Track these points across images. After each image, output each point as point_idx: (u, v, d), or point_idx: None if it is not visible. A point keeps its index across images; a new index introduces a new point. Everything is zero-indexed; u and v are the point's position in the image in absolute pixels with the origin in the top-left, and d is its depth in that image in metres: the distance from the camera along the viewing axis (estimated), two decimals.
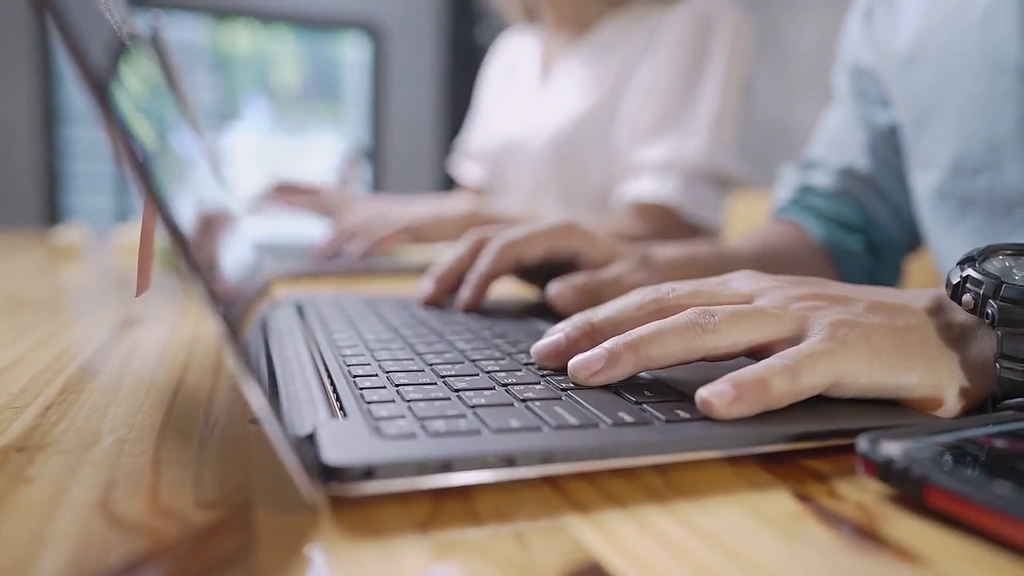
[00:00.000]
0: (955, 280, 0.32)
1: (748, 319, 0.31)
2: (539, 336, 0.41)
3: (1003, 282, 0.30)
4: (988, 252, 0.33)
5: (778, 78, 2.65)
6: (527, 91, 1.16)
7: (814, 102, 2.49)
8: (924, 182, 0.59)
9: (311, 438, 0.23)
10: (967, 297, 0.31)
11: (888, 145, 0.69)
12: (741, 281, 0.36)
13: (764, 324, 0.31)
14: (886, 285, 0.73)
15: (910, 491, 0.22)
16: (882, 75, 0.65)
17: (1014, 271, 0.31)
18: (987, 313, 0.30)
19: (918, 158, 0.60)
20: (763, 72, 2.72)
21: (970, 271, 0.31)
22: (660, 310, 0.33)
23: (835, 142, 0.74)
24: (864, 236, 0.72)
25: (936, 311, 0.33)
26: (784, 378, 0.27)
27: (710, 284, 0.36)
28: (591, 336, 0.33)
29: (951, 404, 0.30)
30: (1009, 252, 0.33)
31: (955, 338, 0.31)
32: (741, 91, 1.01)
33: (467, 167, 1.29)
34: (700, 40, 1.00)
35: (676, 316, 0.31)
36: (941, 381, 0.30)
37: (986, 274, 0.31)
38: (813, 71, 2.50)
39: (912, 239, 0.72)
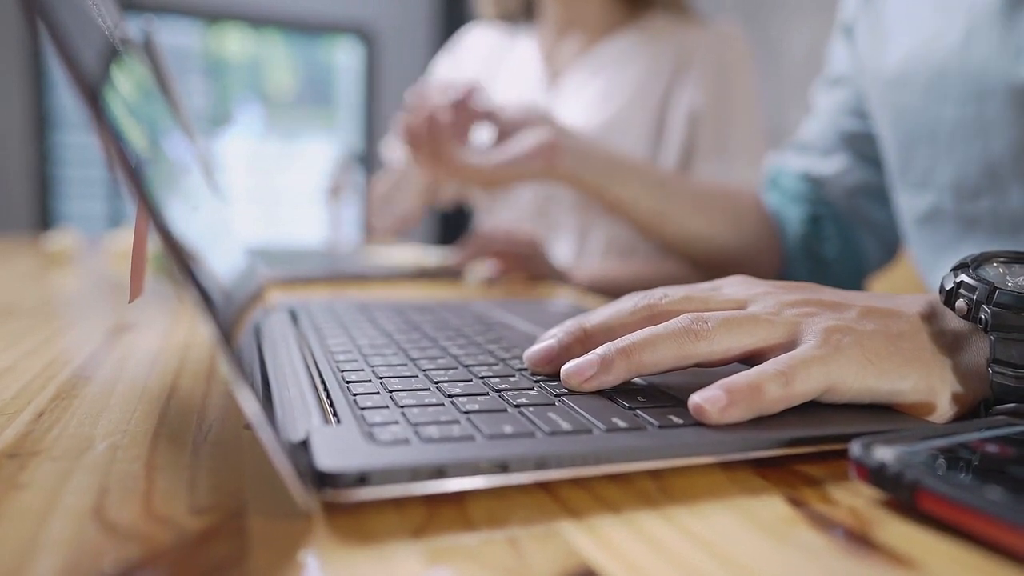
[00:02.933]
0: (949, 286, 0.32)
1: (741, 325, 0.31)
2: (532, 341, 0.41)
3: (996, 288, 0.30)
4: (982, 259, 0.33)
5: (769, 83, 2.66)
6: (530, 94, 1.15)
7: (805, 107, 2.51)
8: (917, 203, 0.60)
9: (305, 444, 0.23)
10: (960, 303, 0.31)
11: (856, 152, 0.71)
12: (734, 287, 0.36)
13: (757, 330, 0.31)
14: (844, 256, 0.76)
15: (902, 496, 0.22)
16: (864, 89, 0.66)
17: (1007, 277, 0.31)
18: (980, 319, 0.30)
19: (910, 179, 0.60)
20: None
21: (964, 277, 0.32)
22: (653, 316, 0.33)
23: (800, 148, 0.78)
24: (808, 208, 0.76)
25: (930, 316, 0.33)
26: (777, 384, 0.28)
27: (703, 289, 0.36)
28: (583, 342, 0.33)
29: (944, 409, 0.30)
30: (1003, 259, 0.33)
31: (948, 344, 0.32)
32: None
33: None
34: (727, 66, 1.03)
35: (669, 322, 0.31)
36: (934, 386, 0.30)
37: (980, 280, 0.31)
38: (804, 77, 2.51)
39: (872, 246, 0.75)
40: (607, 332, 0.33)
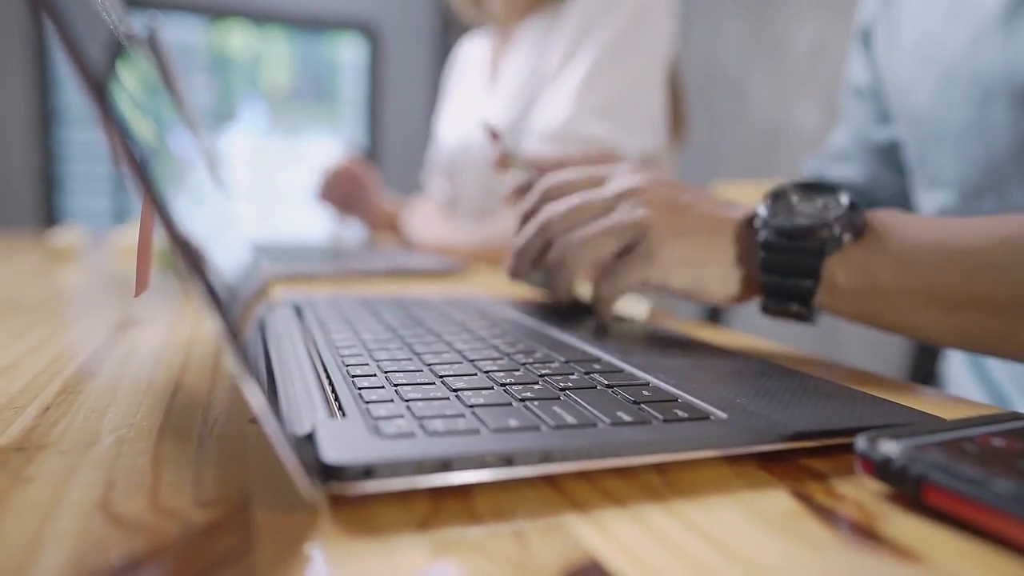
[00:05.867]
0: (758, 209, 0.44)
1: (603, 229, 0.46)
2: (538, 337, 0.41)
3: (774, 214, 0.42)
4: (788, 187, 0.44)
5: (774, 79, 2.65)
6: (476, 94, 1.15)
7: (810, 102, 2.50)
8: (932, 201, 0.61)
9: (310, 437, 0.23)
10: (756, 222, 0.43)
11: (885, 162, 0.71)
12: (618, 182, 0.47)
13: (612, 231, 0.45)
14: None
15: (908, 490, 0.22)
16: (886, 95, 0.66)
17: (795, 206, 0.42)
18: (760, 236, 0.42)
19: (925, 178, 0.61)
20: (759, 73, 2.72)
21: (760, 206, 0.43)
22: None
23: (836, 156, 0.77)
24: None
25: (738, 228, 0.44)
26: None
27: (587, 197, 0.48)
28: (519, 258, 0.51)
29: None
30: (802, 190, 0.43)
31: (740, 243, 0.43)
32: (642, 63, 0.97)
33: (435, 182, 1.27)
34: (593, 19, 0.98)
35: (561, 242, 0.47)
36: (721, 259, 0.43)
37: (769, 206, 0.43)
38: (809, 72, 2.50)
39: None
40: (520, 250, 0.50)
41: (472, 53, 1.22)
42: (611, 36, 0.96)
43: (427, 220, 1.17)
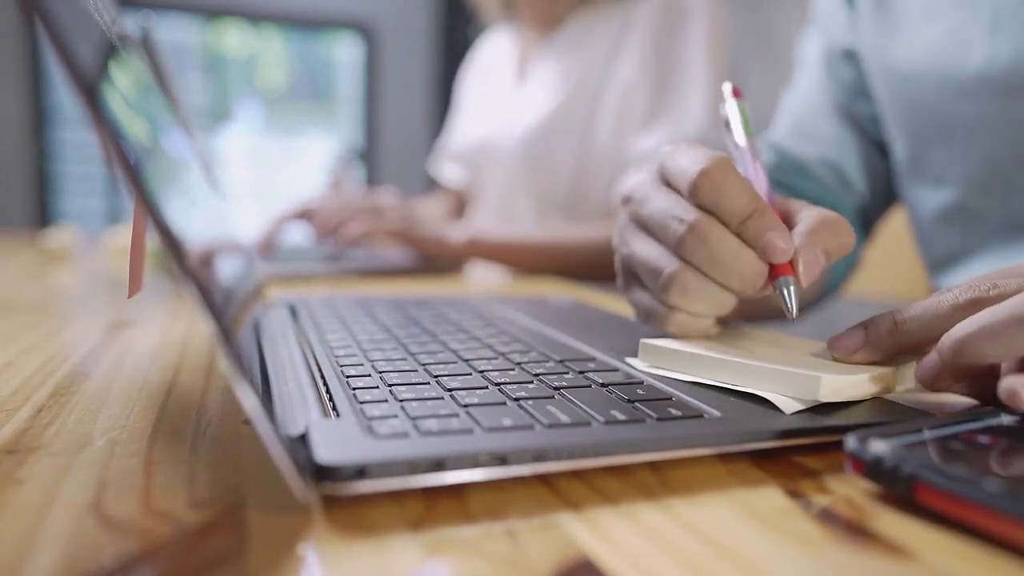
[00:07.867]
0: None
1: None
2: (533, 336, 0.41)
3: None
4: None
5: (770, 77, 2.65)
6: (503, 90, 1.15)
7: None
8: (933, 199, 0.58)
9: (304, 438, 0.23)
10: None
11: (858, 130, 0.67)
12: None
13: None
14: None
15: (900, 489, 0.22)
16: (870, 74, 0.64)
17: None
18: None
19: (926, 174, 0.59)
20: (755, 70, 2.72)
21: None
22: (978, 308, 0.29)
23: (803, 130, 0.70)
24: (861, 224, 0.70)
25: None
26: None
27: None
28: (893, 333, 0.31)
29: None
30: None
31: None
32: (725, 74, 0.99)
33: (447, 168, 1.28)
34: (675, 27, 0.99)
35: (1006, 304, 0.27)
36: None
37: None
38: None
39: (866, 229, 0.70)
40: (922, 326, 0.30)
41: (496, 50, 1.23)
42: (708, 47, 0.98)
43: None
